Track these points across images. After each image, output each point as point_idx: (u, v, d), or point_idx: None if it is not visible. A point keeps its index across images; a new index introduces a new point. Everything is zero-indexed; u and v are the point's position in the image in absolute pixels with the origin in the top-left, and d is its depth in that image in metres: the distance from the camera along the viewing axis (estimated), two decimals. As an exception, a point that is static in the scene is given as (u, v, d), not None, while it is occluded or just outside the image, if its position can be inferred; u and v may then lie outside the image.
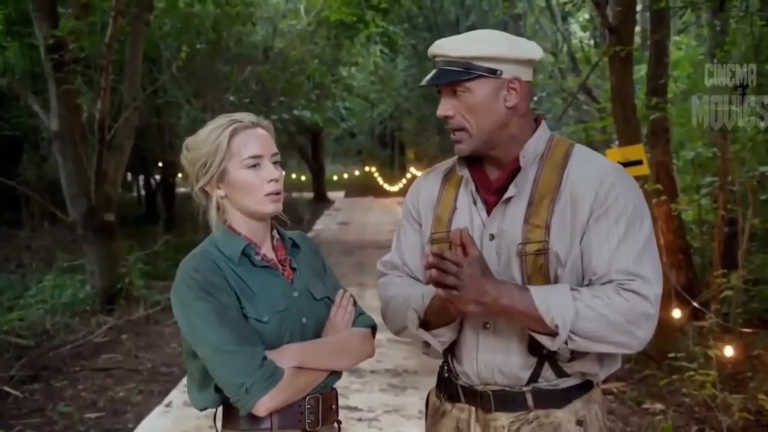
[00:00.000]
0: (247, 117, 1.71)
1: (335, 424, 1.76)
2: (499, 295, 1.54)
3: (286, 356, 1.61)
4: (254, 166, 1.66)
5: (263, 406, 1.56)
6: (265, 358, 1.57)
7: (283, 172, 1.75)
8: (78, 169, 7.04)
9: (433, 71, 1.70)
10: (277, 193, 1.68)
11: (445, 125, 1.71)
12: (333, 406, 1.74)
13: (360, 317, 1.79)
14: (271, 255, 1.74)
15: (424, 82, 1.70)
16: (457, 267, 1.51)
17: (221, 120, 1.70)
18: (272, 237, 1.78)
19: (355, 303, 1.80)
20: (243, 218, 1.72)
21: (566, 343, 1.56)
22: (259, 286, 1.66)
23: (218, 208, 1.73)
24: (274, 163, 1.70)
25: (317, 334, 1.72)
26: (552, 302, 1.54)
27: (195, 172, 1.70)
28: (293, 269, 1.75)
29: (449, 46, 1.66)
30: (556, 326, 1.54)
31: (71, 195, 7.12)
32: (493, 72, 1.63)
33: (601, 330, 1.55)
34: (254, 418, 1.61)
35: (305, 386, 1.64)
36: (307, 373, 1.63)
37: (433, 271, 1.51)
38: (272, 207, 1.68)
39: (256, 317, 1.62)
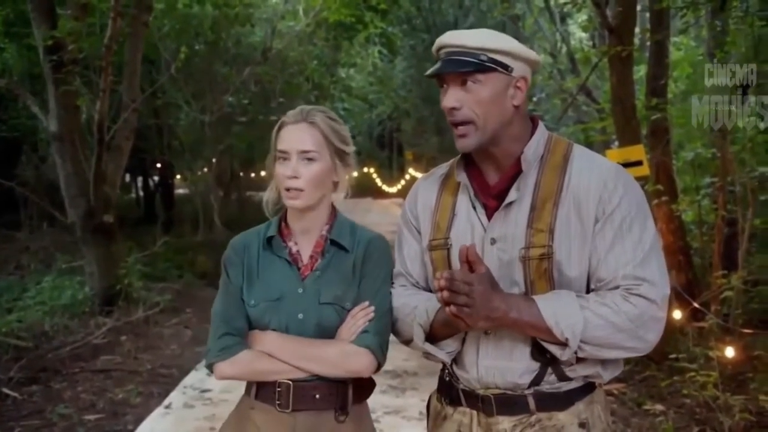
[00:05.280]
0: (295, 112, 1.80)
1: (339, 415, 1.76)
2: (508, 309, 1.55)
3: (259, 340, 1.75)
4: (281, 159, 1.78)
5: (217, 371, 1.76)
6: (227, 333, 1.75)
7: (316, 169, 1.77)
8: (77, 171, 7.03)
9: (443, 60, 1.64)
10: (297, 190, 1.75)
11: (448, 118, 1.66)
12: (317, 396, 1.75)
13: (362, 334, 1.74)
14: (297, 248, 1.82)
15: (436, 70, 1.64)
16: (468, 286, 1.51)
17: (290, 111, 1.82)
18: (322, 229, 1.83)
19: (371, 320, 1.76)
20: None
21: (576, 352, 1.56)
22: (266, 272, 1.80)
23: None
24: (306, 159, 1.75)
25: (319, 334, 1.75)
26: (560, 314, 1.54)
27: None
28: (315, 269, 1.79)
29: (465, 37, 1.63)
30: (566, 338, 1.54)
31: (70, 196, 7.10)
32: (505, 68, 1.63)
33: (610, 337, 1.55)
34: (250, 384, 1.82)
35: (266, 372, 1.75)
36: (271, 361, 1.73)
37: (445, 293, 1.51)
38: (290, 202, 1.78)
39: (246, 299, 1.79)
